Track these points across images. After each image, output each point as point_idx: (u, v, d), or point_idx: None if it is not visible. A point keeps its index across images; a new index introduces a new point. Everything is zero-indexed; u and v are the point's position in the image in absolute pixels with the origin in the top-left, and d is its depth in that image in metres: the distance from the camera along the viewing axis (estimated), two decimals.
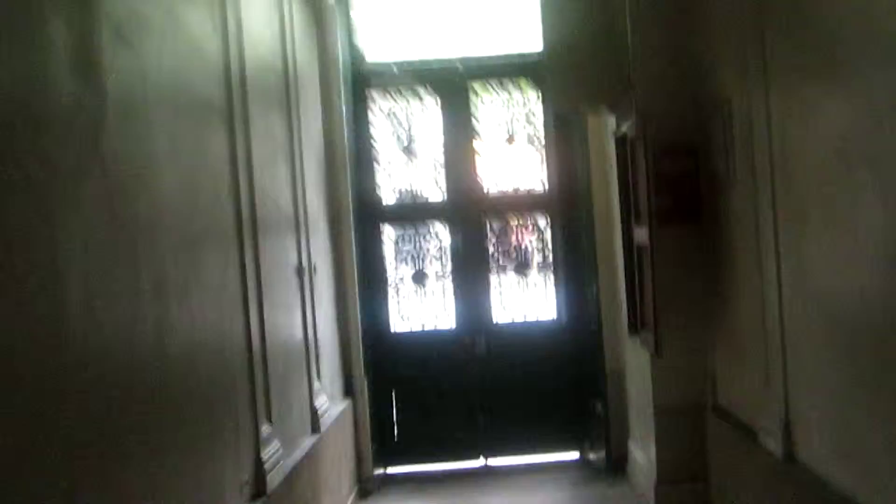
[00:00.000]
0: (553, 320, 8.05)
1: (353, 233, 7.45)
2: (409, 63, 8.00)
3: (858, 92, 3.36)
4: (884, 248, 3.19)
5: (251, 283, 4.43)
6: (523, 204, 8.15)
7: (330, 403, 6.21)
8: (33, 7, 2.51)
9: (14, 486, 2.22)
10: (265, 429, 4.47)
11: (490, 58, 8.05)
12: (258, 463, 4.32)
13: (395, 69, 7.94)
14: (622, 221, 6.68)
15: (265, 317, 4.61)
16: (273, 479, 4.43)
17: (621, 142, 6.56)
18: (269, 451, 4.47)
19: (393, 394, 7.98)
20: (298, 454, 5.14)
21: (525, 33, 7.87)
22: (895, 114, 3.06)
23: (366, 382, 7.41)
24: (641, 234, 5.97)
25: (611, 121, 6.89)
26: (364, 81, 7.92)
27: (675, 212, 5.75)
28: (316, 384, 5.85)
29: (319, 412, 5.78)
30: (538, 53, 7.52)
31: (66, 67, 2.67)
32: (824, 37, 3.64)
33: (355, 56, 7.88)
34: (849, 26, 3.40)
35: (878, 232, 3.24)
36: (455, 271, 8.06)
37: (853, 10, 3.36)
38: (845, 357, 3.62)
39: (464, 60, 7.99)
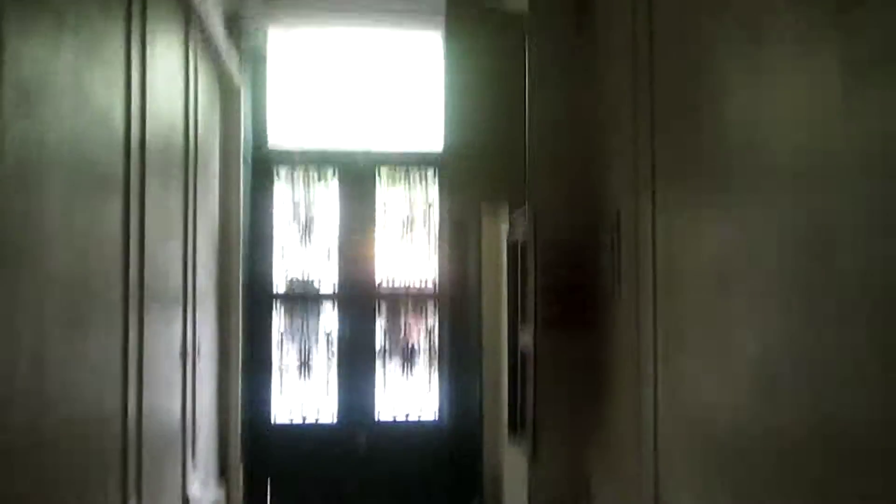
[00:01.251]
0: (435, 421, 8.11)
1: (240, 315, 7.40)
2: (314, 151, 8.10)
3: (738, 221, 3.52)
4: (755, 374, 3.32)
5: (132, 360, 4.36)
6: (414, 298, 8.23)
7: (202, 490, 6.08)
8: None
9: None
10: None
11: (394, 154, 8.22)
12: None
13: (298, 157, 8.02)
14: (509, 324, 6.79)
15: (143, 397, 4.53)
16: None
17: (514, 246, 6.71)
18: None
19: (269, 485, 7.86)
20: None
21: (432, 132, 8.08)
22: (768, 246, 3.22)
23: (241, 471, 7.28)
24: (526, 338, 6.08)
25: (505, 225, 7.06)
26: (266, 164, 7.98)
27: (561, 320, 5.86)
28: (190, 469, 5.73)
29: (192, 501, 5.65)
30: (439, 154, 7.75)
31: None
32: (710, 163, 3.82)
33: (260, 139, 7.96)
34: (733, 157, 3.58)
35: (750, 357, 3.37)
36: (341, 362, 8.06)
37: (738, 144, 3.54)
38: (714, 474, 3.73)
39: (368, 154, 8.13)
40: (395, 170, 8.27)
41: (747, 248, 3.43)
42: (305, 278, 8.15)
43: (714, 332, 3.76)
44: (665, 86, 4.43)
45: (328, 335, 8.13)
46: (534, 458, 5.80)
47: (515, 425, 6.55)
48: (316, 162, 8.10)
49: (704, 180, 3.90)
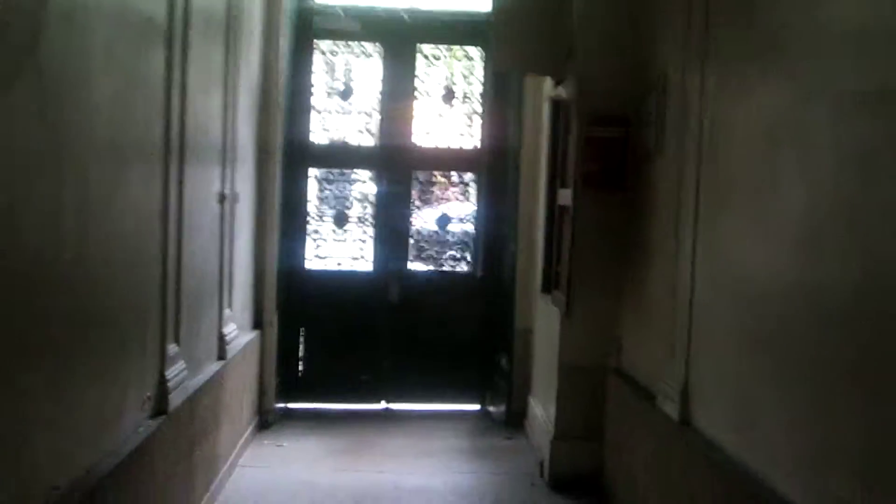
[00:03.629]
0: (468, 272, 8.16)
1: (278, 169, 7.40)
2: (355, 8, 7.95)
3: (792, 78, 3.45)
4: (799, 230, 3.30)
5: (172, 204, 4.39)
6: (452, 159, 8.19)
7: (238, 333, 6.20)
8: None
9: None
10: (171, 348, 4.45)
11: (437, 12, 8.07)
12: (162, 381, 4.30)
13: (340, 11, 7.87)
14: (548, 183, 6.77)
15: (183, 238, 4.57)
16: (175, 399, 4.41)
17: (556, 105, 6.64)
18: (174, 371, 4.45)
19: (302, 330, 8.01)
20: (202, 378, 5.12)
21: None
22: (823, 101, 3.16)
23: (276, 316, 7.41)
24: (565, 196, 6.07)
25: (548, 84, 6.96)
26: (308, 21, 7.83)
27: (601, 177, 5.83)
28: (226, 311, 5.83)
29: (227, 339, 5.76)
30: (485, 14, 7.58)
31: None
32: (766, 21, 3.72)
33: None
34: (790, 15, 3.49)
35: (797, 213, 3.33)
36: (377, 217, 8.08)
37: (797, 4, 3.45)
38: (749, 332, 3.74)
39: (410, 12, 7.96)
40: (436, 30, 8.08)
41: (801, 107, 3.37)
42: (345, 137, 8.09)
43: (760, 190, 3.71)
44: None
45: (364, 192, 8.13)
46: (567, 314, 5.85)
47: (549, 283, 6.59)
48: (358, 19, 7.92)
49: (759, 40, 3.80)
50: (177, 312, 4.55)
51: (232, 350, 5.88)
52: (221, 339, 5.69)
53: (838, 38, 3.09)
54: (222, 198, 5.65)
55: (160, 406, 4.29)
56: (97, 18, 3.35)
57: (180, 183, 4.50)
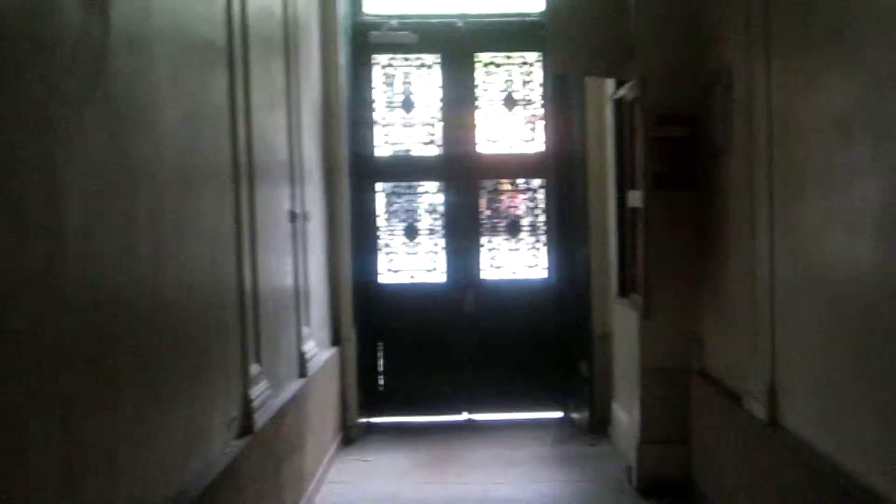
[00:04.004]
0: (542, 279, 8.11)
1: (346, 184, 7.46)
2: (409, 17, 7.97)
3: (861, 66, 3.37)
4: (879, 219, 3.21)
5: (245, 225, 4.44)
6: (518, 165, 8.15)
7: (318, 350, 6.25)
8: None
9: (3, 408, 2.22)
10: (254, 368, 4.50)
11: (491, 16, 8.07)
12: (246, 401, 4.36)
13: (394, 22, 7.90)
14: (616, 185, 6.71)
15: (257, 259, 4.63)
16: (260, 418, 4.47)
17: (619, 105, 6.58)
18: (258, 391, 4.50)
19: (380, 345, 8.05)
20: (286, 396, 5.18)
21: None
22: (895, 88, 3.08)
23: (354, 331, 7.47)
24: (635, 198, 6.01)
25: (610, 84, 6.90)
26: (363, 34, 7.87)
27: (670, 177, 5.77)
28: (304, 329, 5.88)
29: (307, 357, 5.82)
30: (540, 14, 7.55)
31: None
32: (830, 9, 3.65)
33: (355, 7, 7.85)
34: (854, 1, 3.41)
35: (874, 203, 3.26)
36: (446, 228, 8.08)
37: None
38: (834, 326, 3.66)
39: (464, 17, 7.96)
40: (492, 34, 8.06)
41: (872, 94, 3.29)
42: (409, 148, 8.10)
43: (835, 182, 3.63)
44: None
45: (432, 202, 8.15)
46: (646, 317, 5.78)
47: (625, 286, 6.52)
48: (413, 30, 7.93)
49: (824, 28, 3.72)
50: (257, 332, 4.60)
51: (312, 367, 5.94)
52: (301, 356, 5.75)
53: None
54: (293, 216, 5.71)
55: (246, 426, 4.34)
56: (160, 44, 3.40)
57: (251, 203, 4.56)
